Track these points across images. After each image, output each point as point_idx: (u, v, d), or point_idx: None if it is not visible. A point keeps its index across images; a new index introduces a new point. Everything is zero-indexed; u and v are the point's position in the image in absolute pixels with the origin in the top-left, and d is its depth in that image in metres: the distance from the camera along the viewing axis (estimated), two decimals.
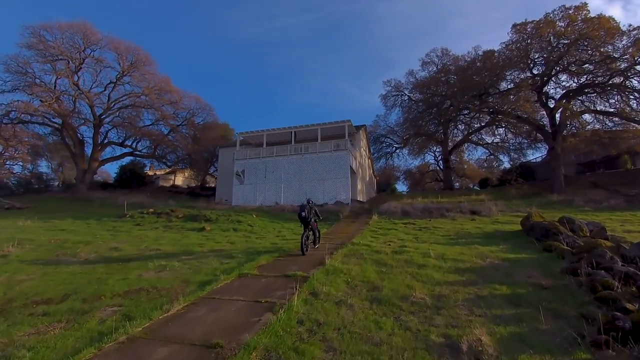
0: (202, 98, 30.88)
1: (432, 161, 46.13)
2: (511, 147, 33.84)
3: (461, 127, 35.46)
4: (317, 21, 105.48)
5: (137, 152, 30.60)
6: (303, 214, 8.22)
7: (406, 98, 34.93)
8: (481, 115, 27.01)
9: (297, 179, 23.12)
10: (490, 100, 22.42)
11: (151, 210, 15.33)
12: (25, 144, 27.00)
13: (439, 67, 26.63)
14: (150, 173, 44.42)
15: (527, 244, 8.48)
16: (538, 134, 27.81)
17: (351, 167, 23.24)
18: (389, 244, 8.46)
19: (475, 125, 30.49)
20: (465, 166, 44.53)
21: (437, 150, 43.33)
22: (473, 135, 33.78)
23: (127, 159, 37.16)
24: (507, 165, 38.01)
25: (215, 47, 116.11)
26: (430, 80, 27.37)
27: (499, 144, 33.89)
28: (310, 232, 8.55)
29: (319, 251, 8.26)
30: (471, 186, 48.44)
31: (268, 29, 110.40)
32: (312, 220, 8.55)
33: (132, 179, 36.32)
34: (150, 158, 31.54)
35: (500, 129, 26.67)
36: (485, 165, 37.00)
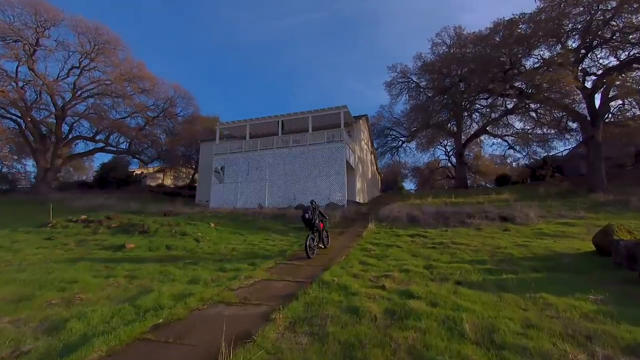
0: (182, 85, 27.50)
1: (443, 157, 42.13)
2: (534, 139, 29.85)
3: (476, 117, 31.48)
4: (326, 20, 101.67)
5: (109, 148, 27.44)
6: (307, 215, 7.90)
7: (414, 85, 31.03)
8: (505, 100, 22.99)
9: (284, 176, 19.60)
10: (518, 78, 18.41)
11: (83, 217, 12.05)
12: (7, 141, 24.16)
13: (451, 47, 22.70)
14: (138, 172, 41.57)
15: (628, 285, 4.78)
16: (569, 123, 23.76)
17: (348, 162, 19.61)
18: (383, 287, 4.84)
19: (497, 112, 26.39)
20: (480, 162, 40.40)
21: (449, 143, 39.35)
22: (491, 126, 29.73)
23: (109, 156, 34.29)
24: (523, 160, 33.95)
25: (223, 48, 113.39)
26: (442, 60, 23.44)
27: (521, 135, 29.79)
28: (316, 234, 8.14)
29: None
30: (483, 183, 44.35)
31: (275, 29, 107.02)
32: (317, 221, 8.12)
33: (112, 178, 33.46)
34: (123, 154, 28.36)
35: (532, 113, 22.47)
36: (506, 160, 32.86)
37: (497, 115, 26.57)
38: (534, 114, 25.91)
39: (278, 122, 20.87)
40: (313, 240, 7.80)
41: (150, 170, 41.35)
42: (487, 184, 44.85)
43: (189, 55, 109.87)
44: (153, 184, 39.57)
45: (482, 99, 24.16)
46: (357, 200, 20.91)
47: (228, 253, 7.89)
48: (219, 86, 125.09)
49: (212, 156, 21.96)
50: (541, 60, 19.87)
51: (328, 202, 17.83)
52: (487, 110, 28.86)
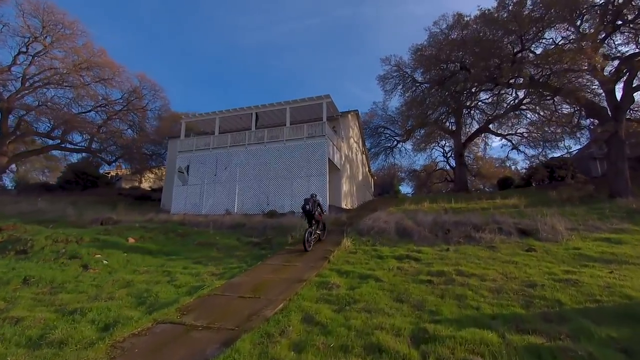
0: (148, 75, 24.54)
1: (441, 158, 39.50)
2: (540, 138, 27.29)
3: (476, 114, 28.88)
4: (324, 24, 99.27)
5: (67, 146, 24.49)
6: (307, 207, 8.25)
7: (409, 80, 28.36)
8: (512, 92, 20.33)
9: (258, 177, 16.77)
10: (530, 59, 15.71)
11: None
12: None
13: (451, 29, 20.04)
14: (114, 173, 38.58)
15: None
16: (581, 120, 21.16)
17: (331, 161, 16.83)
18: None
19: (501, 107, 23.74)
20: (480, 163, 37.77)
21: (447, 144, 36.75)
22: (493, 124, 27.12)
23: (78, 156, 31.29)
24: (523, 162, 31.38)
25: (222, 52, 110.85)
26: (440, 46, 20.75)
27: (537, 125, 27.07)
28: (314, 227, 8.42)
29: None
30: (482, 187, 41.71)
31: (275, 34, 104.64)
32: (316, 213, 8.42)
33: (79, 179, 30.47)
34: (82, 152, 25.41)
35: (548, 102, 19.76)
36: (508, 161, 30.23)
37: (502, 111, 23.90)
38: (542, 110, 23.36)
39: (252, 114, 18.07)
40: (311, 234, 8.21)
41: (127, 171, 38.38)
42: (487, 188, 42.31)
43: (187, 60, 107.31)
44: (128, 186, 36.60)
45: (486, 89, 21.45)
46: (343, 206, 18.10)
47: (104, 296, 4.99)
48: (216, 90, 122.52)
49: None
50: (554, 46, 17.24)
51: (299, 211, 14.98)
52: (490, 105, 26.28)
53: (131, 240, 8.50)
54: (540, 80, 16.58)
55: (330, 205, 15.72)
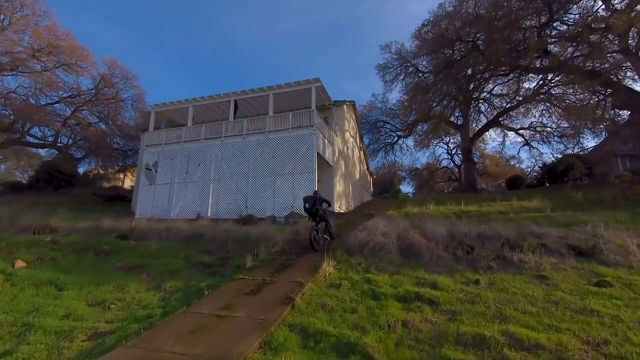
0: (119, 62, 21.87)
1: (445, 156, 36.97)
2: (556, 133, 24.79)
3: (484, 107, 26.37)
4: (323, 22, 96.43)
5: (30, 140, 22.00)
6: (307, 205, 7.64)
7: (412, 69, 25.82)
8: (527, 78, 17.79)
9: (235, 175, 14.29)
10: (560, 34, 13.17)
11: None
12: None
13: (461, 3, 17.46)
14: (97, 172, 36.08)
15: None
16: (608, 111, 18.63)
17: (321, 156, 14.34)
18: None
19: (511, 99, 21.21)
20: (487, 161, 35.20)
21: (452, 140, 34.22)
22: (504, 117, 24.61)
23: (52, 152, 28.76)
24: (526, 161, 28.90)
25: (219, 49, 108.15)
26: (450, 22, 18.16)
27: (566, 107, 24.53)
28: (321, 225, 7.81)
29: None
30: (485, 186, 39.13)
31: (273, 31, 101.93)
32: (321, 210, 7.70)
33: (52, 178, 27.99)
34: (47, 147, 22.93)
35: (571, 89, 17.22)
36: (519, 159, 27.66)
37: (515, 102, 21.38)
38: (561, 100, 20.85)
39: (230, 102, 15.55)
40: (317, 232, 7.61)
41: (113, 170, 35.84)
42: (490, 187, 39.74)
43: (184, 57, 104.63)
44: (109, 185, 34.11)
45: (501, 74, 18.90)
46: (336, 209, 15.60)
47: None
48: (214, 87, 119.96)
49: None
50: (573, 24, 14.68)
51: (289, 212, 12.52)
52: (501, 97, 23.78)
53: (20, 264, 6.03)
54: (569, 61, 14.08)
55: None
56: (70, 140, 22.46)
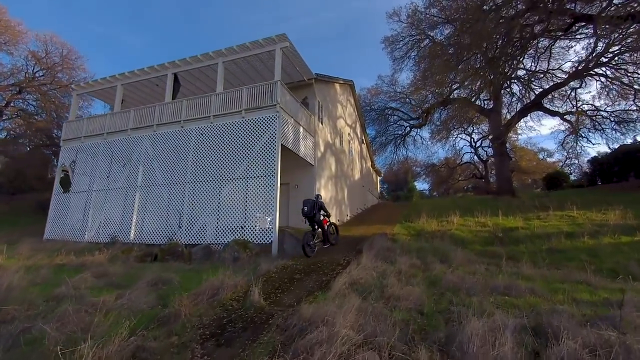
0: (61, 38, 17.76)
1: (467, 149, 31.54)
2: (612, 117, 19.28)
3: (517, 88, 20.93)
4: (337, 19, 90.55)
5: None
6: (306, 208, 7.36)
7: (427, 42, 20.59)
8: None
9: (169, 178, 9.91)
10: None
11: None
12: None
13: None
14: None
15: None
16: None
17: (290, 150, 9.75)
18: None
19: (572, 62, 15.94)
20: (519, 154, 29.39)
21: (475, 130, 28.79)
22: (546, 99, 19.15)
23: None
24: (557, 154, 23.31)
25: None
26: None
27: (596, 111, 19.11)
28: (318, 230, 7.60)
29: None
30: (515, 185, 33.31)
31: (286, 30, 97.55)
32: (319, 216, 7.52)
33: (14, 181, 24.70)
34: None
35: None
36: (564, 152, 22.00)
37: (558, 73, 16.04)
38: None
39: (168, 75, 11.09)
40: (313, 237, 7.39)
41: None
42: (522, 187, 33.95)
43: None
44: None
45: (563, 29, 13.53)
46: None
47: None
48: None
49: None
50: None
51: (232, 241, 8.03)
52: (544, 70, 18.45)
53: None
54: None
55: (284, 231, 8.64)
56: (9, 136, 18.74)
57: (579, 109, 19.65)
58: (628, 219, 9.81)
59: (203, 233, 8.95)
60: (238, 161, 9.15)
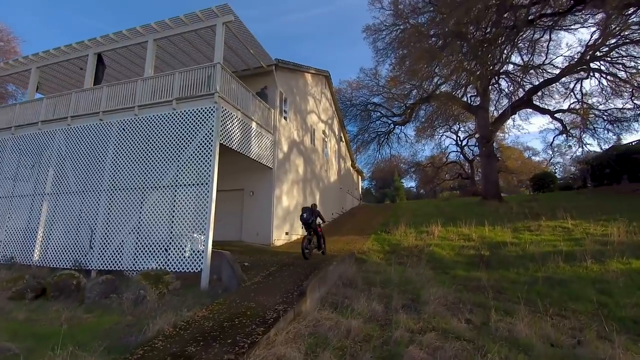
0: None
1: (453, 148, 30.35)
2: (605, 117, 18.19)
3: (505, 84, 19.54)
4: (331, 14, 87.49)
5: None
6: (305, 215, 7.65)
7: (413, 33, 18.89)
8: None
9: (83, 185, 7.90)
10: None
11: None
12: None
13: None
14: None
15: None
16: None
17: (232, 150, 7.90)
18: None
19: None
20: (506, 154, 28.23)
21: (462, 129, 27.56)
22: (536, 96, 17.80)
23: None
24: (542, 154, 22.41)
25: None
26: None
27: (587, 109, 17.88)
28: (314, 237, 7.82)
29: None
30: (501, 184, 32.39)
31: (280, 25, 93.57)
32: (315, 224, 7.80)
33: None
34: None
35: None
36: (555, 151, 20.84)
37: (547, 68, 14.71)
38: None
39: (90, 55, 9.00)
40: (310, 241, 7.61)
41: None
42: (506, 188, 32.99)
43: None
44: None
45: (573, 10, 12.06)
46: (272, 242, 9.26)
47: None
48: None
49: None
50: None
51: (150, 267, 6.17)
52: (534, 64, 17.12)
53: None
54: None
55: (223, 255, 6.81)
56: None
57: (571, 107, 18.49)
58: (634, 234, 8.44)
59: (119, 256, 7.03)
60: (167, 165, 7.23)
